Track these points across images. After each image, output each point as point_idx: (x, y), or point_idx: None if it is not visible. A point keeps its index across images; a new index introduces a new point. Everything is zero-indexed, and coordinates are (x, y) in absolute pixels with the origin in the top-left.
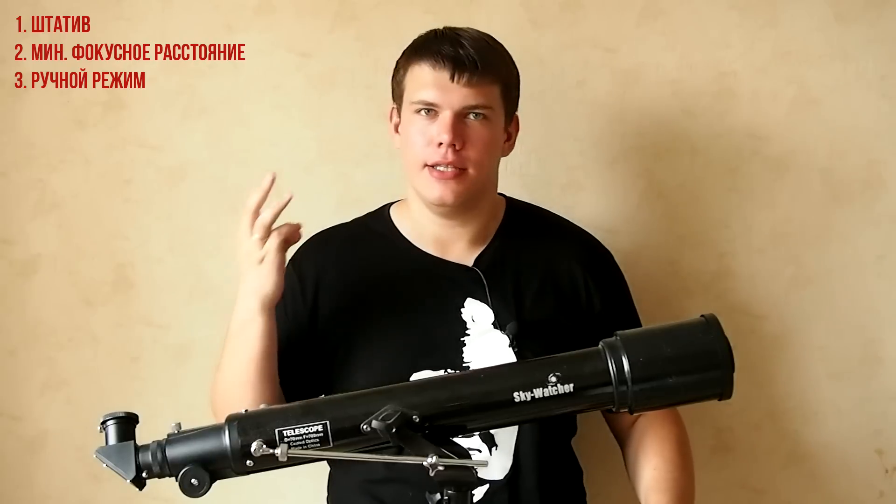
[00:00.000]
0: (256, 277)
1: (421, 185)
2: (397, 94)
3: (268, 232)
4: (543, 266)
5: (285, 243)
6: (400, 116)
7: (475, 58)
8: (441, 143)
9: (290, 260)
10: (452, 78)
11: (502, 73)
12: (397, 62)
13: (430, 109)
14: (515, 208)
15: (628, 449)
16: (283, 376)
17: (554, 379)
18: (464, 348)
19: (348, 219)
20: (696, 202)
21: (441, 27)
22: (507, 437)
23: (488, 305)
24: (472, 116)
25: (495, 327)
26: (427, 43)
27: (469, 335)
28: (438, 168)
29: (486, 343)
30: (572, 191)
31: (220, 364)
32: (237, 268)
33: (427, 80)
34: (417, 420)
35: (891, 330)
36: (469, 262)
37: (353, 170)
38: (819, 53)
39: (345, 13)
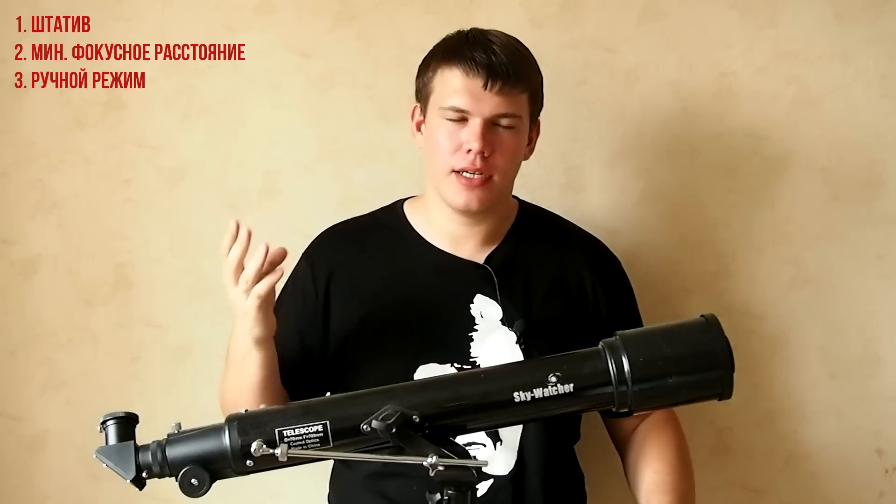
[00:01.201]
0: (246, 324)
1: (446, 190)
2: (423, 95)
3: (252, 284)
4: (553, 268)
5: (269, 295)
6: (424, 116)
7: (508, 66)
8: (470, 150)
9: (302, 254)
10: (485, 86)
11: (531, 81)
12: (425, 61)
13: (460, 115)
14: (527, 211)
15: (628, 456)
16: (296, 370)
17: (554, 379)
18: (471, 343)
19: (348, 219)
20: (696, 202)
21: (468, 29)
22: (511, 433)
23: (497, 302)
24: (500, 124)
25: (503, 324)
26: (459, 47)
27: (477, 331)
28: (466, 175)
29: (493, 339)
30: (572, 191)
31: (223, 380)
32: None
33: (459, 87)
34: (417, 420)
35: (891, 330)
36: (480, 259)
37: (353, 170)
38: (819, 53)
39: (345, 13)
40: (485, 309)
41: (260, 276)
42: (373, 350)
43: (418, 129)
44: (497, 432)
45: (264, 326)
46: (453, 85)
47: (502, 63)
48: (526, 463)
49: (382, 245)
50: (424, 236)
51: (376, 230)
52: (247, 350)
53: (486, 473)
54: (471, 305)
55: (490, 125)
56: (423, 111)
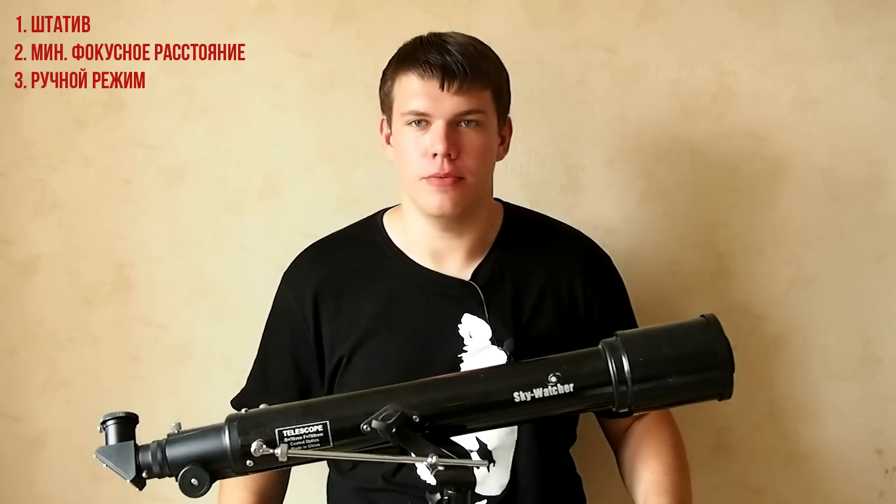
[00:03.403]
0: None
1: (419, 197)
2: (386, 106)
3: None
4: (542, 276)
5: None
6: (391, 128)
7: (463, 64)
8: (436, 154)
9: (283, 278)
10: (442, 86)
11: (492, 76)
12: (384, 73)
13: (422, 120)
14: (514, 215)
15: (623, 454)
16: (290, 393)
17: (554, 379)
18: (461, 365)
19: (348, 219)
20: (696, 202)
21: (426, 34)
22: (504, 452)
23: (486, 321)
24: (464, 124)
25: (493, 343)
26: (413, 52)
27: (466, 352)
28: (436, 177)
29: (483, 360)
30: (572, 191)
31: None
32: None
33: (416, 90)
34: (417, 420)
35: (891, 330)
36: (466, 275)
37: (353, 170)
38: (819, 53)
39: (345, 13)
40: (473, 329)
41: None
42: (361, 374)
43: (387, 141)
44: (490, 453)
45: None
46: (411, 89)
47: (457, 61)
48: (519, 481)
49: (365, 265)
50: (407, 253)
51: (357, 248)
52: None
53: (479, 494)
54: (459, 326)
55: (453, 126)
56: (389, 122)
